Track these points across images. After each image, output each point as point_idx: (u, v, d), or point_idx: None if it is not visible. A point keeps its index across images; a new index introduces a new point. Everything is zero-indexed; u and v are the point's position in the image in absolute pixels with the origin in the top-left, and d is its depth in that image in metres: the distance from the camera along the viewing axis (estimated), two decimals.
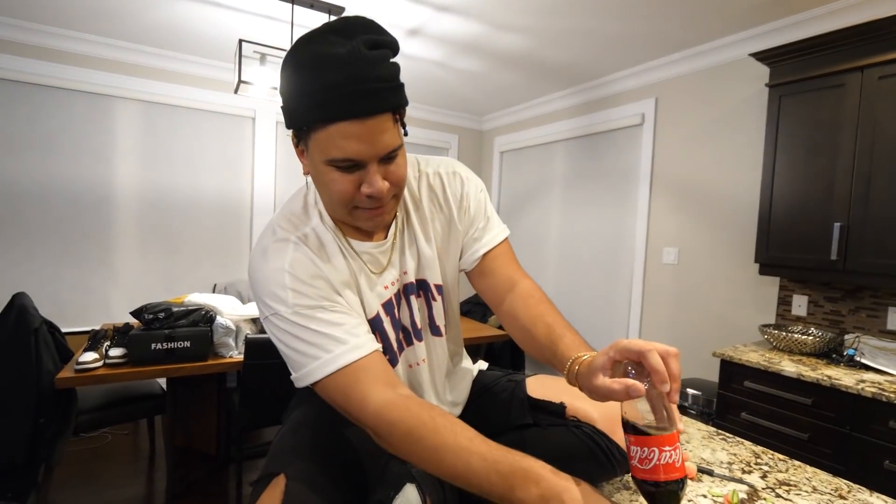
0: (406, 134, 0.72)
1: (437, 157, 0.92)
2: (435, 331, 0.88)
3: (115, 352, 1.87)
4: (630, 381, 0.55)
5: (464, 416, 0.93)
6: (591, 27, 2.44)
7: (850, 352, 1.90)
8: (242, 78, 2.06)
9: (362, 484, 0.74)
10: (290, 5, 2.33)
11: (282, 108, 0.70)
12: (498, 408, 0.90)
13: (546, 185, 3.79)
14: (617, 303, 3.20)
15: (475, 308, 3.34)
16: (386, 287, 0.81)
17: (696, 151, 2.74)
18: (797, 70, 2.04)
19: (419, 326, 0.86)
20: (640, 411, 0.55)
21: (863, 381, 1.66)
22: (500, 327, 3.29)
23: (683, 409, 2.28)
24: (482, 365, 1.03)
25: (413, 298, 0.84)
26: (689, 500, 0.82)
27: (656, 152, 2.95)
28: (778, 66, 2.11)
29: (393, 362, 0.83)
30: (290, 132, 0.72)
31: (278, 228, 0.76)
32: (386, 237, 0.82)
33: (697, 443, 1.04)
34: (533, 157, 3.92)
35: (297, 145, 0.72)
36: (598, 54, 2.80)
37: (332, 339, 0.69)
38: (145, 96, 3.03)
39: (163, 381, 2.35)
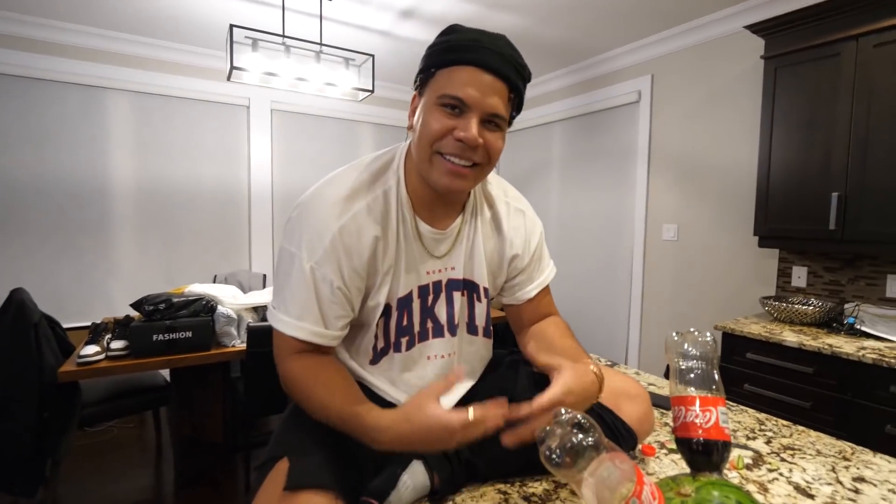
0: (510, 124, 0.76)
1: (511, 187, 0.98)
2: (473, 329, 0.90)
3: (117, 344, 1.87)
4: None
5: (472, 389, 0.93)
6: (585, 1, 2.41)
7: (850, 320, 1.91)
8: (235, 64, 2.02)
9: (365, 464, 0.74)
10: None
11: (419, 70, 0.76)
12: (503, 384, 0.89)
13: (545, 166, 3.77)
14: (618, 281, 3.21)
15: None
16: (429, 273, 0.83)
17: (693, 127, 2.72)
18: (792, 41, 2.02)
19: (455, 322, 0.87)
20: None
21: (864, 349, 1.67)
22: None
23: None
24: None
25: (455, 294, 0.86)
26: None
27: (653, 129, 2.93)
28: (773, 38, 2.09)
29: (410, 345, 0.84)
30: (414, 87, 0.78)
31: (357, 181, 0.77)
32: (447, 228, 0.83)
33: None
34: (530, 139, 3.90)
35: (415, 97, 0.77)
36: (593, 31, 2.76)
37: (313, 315, 0.74)
38: (138, 87, 2.98)
39: (166, 373, 2.35)
